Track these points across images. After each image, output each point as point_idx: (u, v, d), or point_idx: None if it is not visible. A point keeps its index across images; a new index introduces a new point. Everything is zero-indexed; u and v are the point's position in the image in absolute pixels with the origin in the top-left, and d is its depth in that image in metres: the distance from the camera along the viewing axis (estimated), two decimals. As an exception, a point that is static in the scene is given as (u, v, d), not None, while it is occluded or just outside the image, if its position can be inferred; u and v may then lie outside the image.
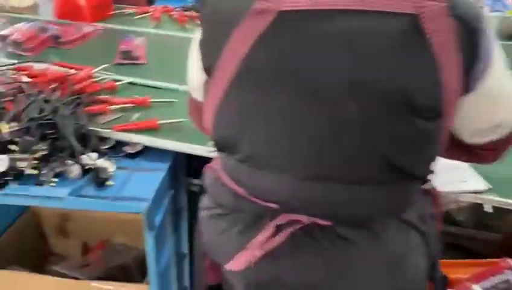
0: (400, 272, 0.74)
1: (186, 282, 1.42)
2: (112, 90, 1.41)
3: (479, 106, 0.69)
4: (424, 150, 0.68)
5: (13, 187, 1.03)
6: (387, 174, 0.67)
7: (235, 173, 0.75)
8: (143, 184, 1.10)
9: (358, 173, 0.67)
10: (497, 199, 1.01)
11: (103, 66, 1.48)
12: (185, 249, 1.39)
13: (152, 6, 2.37)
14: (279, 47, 0.64)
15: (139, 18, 2.16)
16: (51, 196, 1.03)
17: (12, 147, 1.06)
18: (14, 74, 1.37)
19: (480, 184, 1.03)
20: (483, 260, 1.10)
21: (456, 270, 1.05)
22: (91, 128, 1.19)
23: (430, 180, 0.78)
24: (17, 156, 1.04)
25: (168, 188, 1.22)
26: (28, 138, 1.07)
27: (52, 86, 1.29)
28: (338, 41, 0.61)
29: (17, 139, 1.07)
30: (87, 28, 1.92)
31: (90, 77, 1.40)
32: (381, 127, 0.64)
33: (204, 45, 0.72)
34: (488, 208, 1.02)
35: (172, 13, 2.20)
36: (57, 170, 1.08)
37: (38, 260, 1.48)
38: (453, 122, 0.68)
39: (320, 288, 0.74)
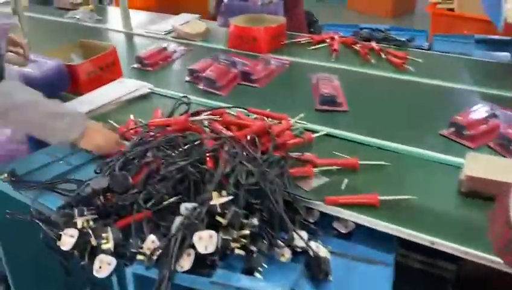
0: None
1: None
2: (309, 143, 1.23)
3: None
4: None
5: (219, 273, 0.86)
6: None
7: None
8: (370, 282, 0.88)
9: None
10: None
11: (301, 115, 1.30)
12: None
13: (325, 33, 2.16)
14: None
15: (314, 49, 1.97)
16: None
17: (220, 219, 0.91)
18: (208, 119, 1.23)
19: None
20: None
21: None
22: (299, 197, 1.01)
23: None
24: (224, 234, 0.88)
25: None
26: (236, 209, 0.91)
27: (252, 139, 1.12)
28: None
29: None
30: (275, 62, 1.74)
31: (289, 128, 1.23)
32: None
33: None
34: None
35: (356, 46, 1.94)
36: (266, 251, 0.91)
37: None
38: None
39: None
